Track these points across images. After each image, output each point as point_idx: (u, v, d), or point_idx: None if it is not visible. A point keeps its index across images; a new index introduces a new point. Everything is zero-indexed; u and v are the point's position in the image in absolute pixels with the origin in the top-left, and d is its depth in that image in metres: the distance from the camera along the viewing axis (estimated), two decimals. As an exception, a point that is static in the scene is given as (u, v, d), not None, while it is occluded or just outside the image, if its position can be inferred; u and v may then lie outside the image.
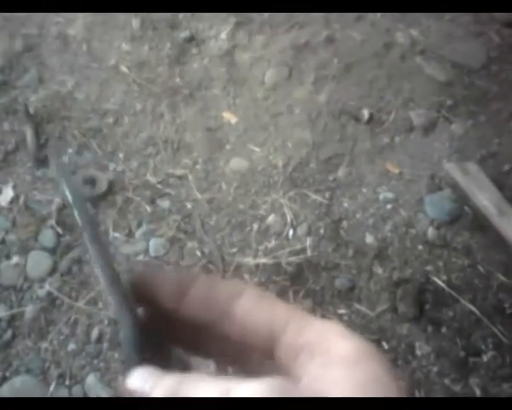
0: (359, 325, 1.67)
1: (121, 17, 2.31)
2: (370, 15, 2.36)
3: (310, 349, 0.39)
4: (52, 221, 1.81)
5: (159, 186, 1.91)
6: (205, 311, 0.43)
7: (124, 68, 2.19)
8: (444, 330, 1.69)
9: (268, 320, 0.41)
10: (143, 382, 0.41)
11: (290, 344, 0.40)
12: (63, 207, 1.84)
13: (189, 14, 2.35)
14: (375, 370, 0.37)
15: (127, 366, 0.43)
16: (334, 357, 0.38)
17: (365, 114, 2.09)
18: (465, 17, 2.37)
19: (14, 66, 2.17)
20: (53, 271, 1.74)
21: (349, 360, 0.37)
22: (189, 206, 1.88)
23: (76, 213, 0.47)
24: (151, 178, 1.92)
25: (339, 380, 0.37)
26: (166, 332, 0.46)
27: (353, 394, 0.35)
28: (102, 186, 1.87)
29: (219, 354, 0.46)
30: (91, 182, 1.88)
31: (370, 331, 1.66)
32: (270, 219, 1.86)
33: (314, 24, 2.34)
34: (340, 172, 1.97)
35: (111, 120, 2.06)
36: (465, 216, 1.90)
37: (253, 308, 0.42)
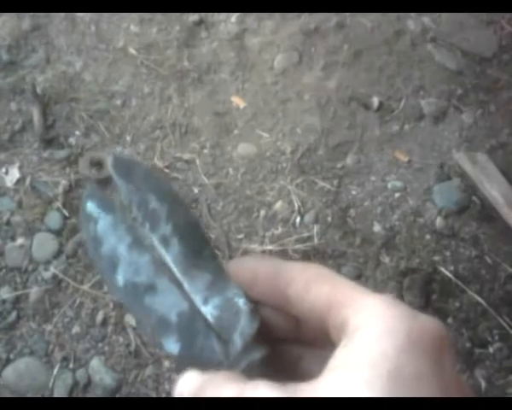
0: (365, 314, 1.66)
1: (130, -2, 2.29)
2: (381, 2, 2.34)
3: (349, 330, 0.38)
4: (58, 203, 1.80)
5: (166, 170, 1.90)
6: (269, 295, 0.44)
7: (132, 50, 2.17)
8: (450, 320, 1.68)
9: (323, 300, 0.41)
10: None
11: (334, 324, 0.39)
12: (70, 189, 1.83)
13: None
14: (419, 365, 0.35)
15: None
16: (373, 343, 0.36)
17: (375, 101, 2.08)
18: (477, 5, 2.36)
19: (21, 45, 2.15)
20: (58, 253, 1.73)
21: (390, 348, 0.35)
22: (195, 190, 1.87)
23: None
24: (158, 162, 1.91)
25: (368, 380, 0.34)
26: None
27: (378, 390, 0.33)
28: (109, 169, 1.86)
29: (286, 337, 0.46)
30: (98, 164, 1.88)
31: (376, 321, 1.65)
32: (278, 205, 1.85)
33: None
34: (349, 160, 1.96)
35: (119, 102, 2.04)
36: (473, 206, 1.89)
37: (306, 291, 0.42)
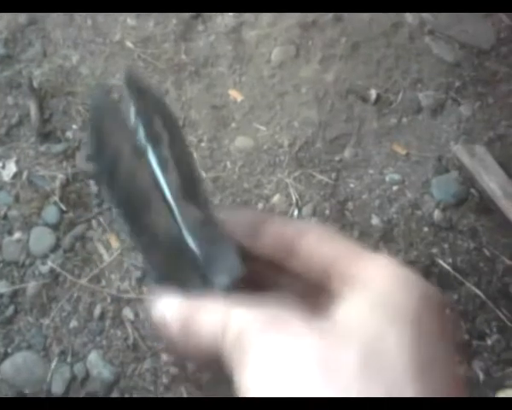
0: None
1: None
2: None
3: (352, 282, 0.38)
4: (55, 197, 1.80)
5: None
6: (274, 249, 0.43)
7: (129, 44, 2.17)
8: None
9: (329, 257, 0.41)
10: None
11: (339, 278, 0.39)
12: (67, 183, 1.83)
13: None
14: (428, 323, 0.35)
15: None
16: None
17: (373, 94, 2.08)
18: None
19: (18, 39, 2.15)
20: (56, 247, 1.73)
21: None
22: (193, 184, 1.87)
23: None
24: (155, 156, 1.90)
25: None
26: None
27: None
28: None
29: (288, 290, 0.45)
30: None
31: (374, 313, 1.65)
32: (275, 198, 1.85)
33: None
34: (347, 153, 1.96)
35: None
36: (471, 199, 1.88)
37: (317, 246, 0.42)
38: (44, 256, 1.72)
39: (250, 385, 0.34)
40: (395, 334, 0.34)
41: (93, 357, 1.59)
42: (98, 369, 1.58)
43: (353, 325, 0.35)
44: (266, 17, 2.26)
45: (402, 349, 0.33)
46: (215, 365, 0.39)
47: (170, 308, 0.41)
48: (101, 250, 1.73)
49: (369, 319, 0.35)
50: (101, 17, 2.23)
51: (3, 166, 1.86)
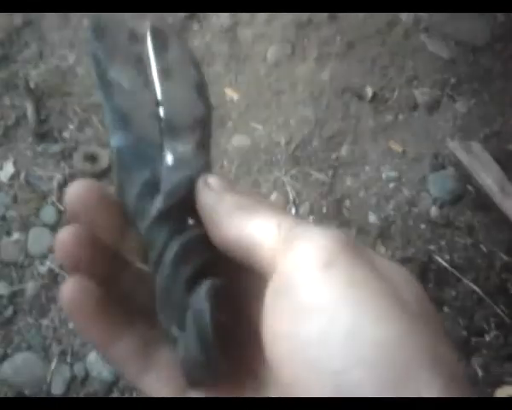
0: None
1: (122, -8, 2.28)
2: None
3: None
4: (53, 197, 1.80)
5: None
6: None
7: (125, 44, 2.17)
8: (446, 309, 1.69)
9: (247, 230, 0.38)
10: None
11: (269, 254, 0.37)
12: (64, 183, 1.83)
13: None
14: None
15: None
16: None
17: (368, 91, 2.08)
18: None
19: (14, 40, 2.15)
20: (54, 248, 1.73)
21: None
22: (190, 183, 1.87)
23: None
24: (153, 155, 1.90)
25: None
26: None
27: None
28: (104, 163, 1.86)
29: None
30: (92, 158, 1.87)
31: (373, 310, 1.66)
32: (273, 197, 1.85)
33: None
34: (343, 151, 1.96)
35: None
36: (468, 195, 1.89)
37: (231, 218, 0.39)
38: (43, 257, 1.72)
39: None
40: None
41: (92, 357, 1.59)
42: (98, 369, 1.58)
43: None
44: (262, 16, 2.26)
45: None
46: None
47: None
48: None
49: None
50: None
51: (1, 168, 1.86)
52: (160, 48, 0.47)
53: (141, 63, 0.46)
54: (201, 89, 0.48)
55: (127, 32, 0.47)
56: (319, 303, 0.32)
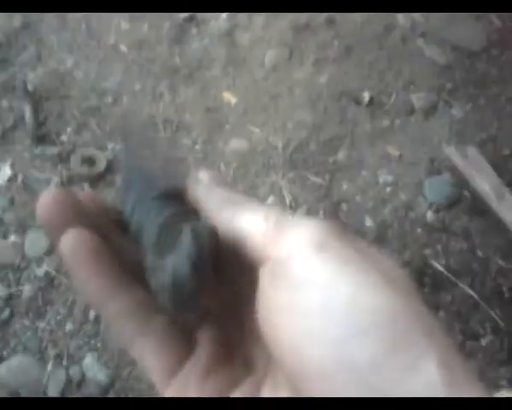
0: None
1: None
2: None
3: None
4: (50, 200, 1.80)
5: (158, 166, 1.89)
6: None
7: (123, 47, 2.17)
8: (442, 313, 1.69)
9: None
10: None
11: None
12: (61, 186, 1.83)
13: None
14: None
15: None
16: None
17: (366, 96, 2.09)
18: None
19: (12, 43, 2.15)
20: (51, 250, 1.73)
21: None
22: (188, 186, 1.87)
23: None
24: (150, 158, 1.90)
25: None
26: None
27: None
28: (101, 165, 1.86)
29: None
30: (90, 161, 1.88)
31: (369, 314, 1.66)
32: (270, 200, 1.86)
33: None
34: (340, 155, 1.97)
35: (110, 99, 2.04)
36: (464, 200, 1.89)
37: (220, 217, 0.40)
38: (40, 259, 1.72)
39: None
40: None
41: (88, 360, 1.60)
42: (94, 372, 1.58)
43: None
44: (259, 20, 2.27)
45: None
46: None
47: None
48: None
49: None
50: (95, 21, 2.24)
51: (-2, 170, 1.87)
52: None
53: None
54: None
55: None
56: (317, 278, 0.33)
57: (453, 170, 1.93)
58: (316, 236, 0.34)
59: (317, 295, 0.32)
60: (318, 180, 1.90)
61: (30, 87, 2.01)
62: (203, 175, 0.43)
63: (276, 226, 0.36)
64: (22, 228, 1.76)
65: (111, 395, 1.56)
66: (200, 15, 2.27)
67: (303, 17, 2.27)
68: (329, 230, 0.35)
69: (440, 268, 1.75)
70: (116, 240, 0.44)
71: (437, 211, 1.86)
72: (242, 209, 0.39)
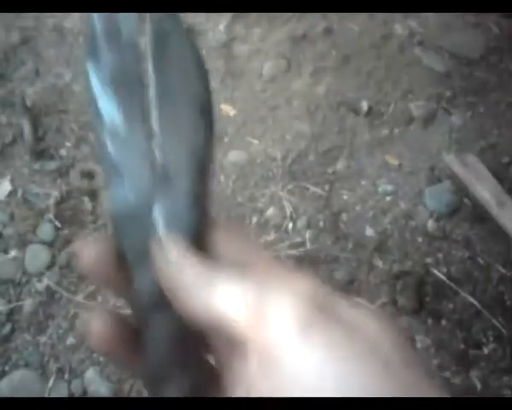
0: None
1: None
2: (368, 7, 2.35)
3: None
4: (50, 215, 1.80)
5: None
6: None
7: (121, 61, 2.18)
8: (444, 322, 1.69)
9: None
10: None
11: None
12: (61, 200, 1.83)
13: (186, 6, 2.33)
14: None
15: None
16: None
17: (364, 105, 2.09)
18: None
19: (10, 58, 2.15)
20: (51, 265, 1.73)
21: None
22: (187, 199, 1.87)
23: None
24: (149, 171, 1.90)
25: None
26: None
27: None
28: (100, 180, 1.86)
29: None
30: (89, 175, 1.88)
31: (370, 324, 1.66)
32: (270, 212, 1.85)
33: (311, 16, 2.33)
34: (340, 165, 1.97)
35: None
36: (464, 208, 1.89)
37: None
38: (40, 274, 1.72)
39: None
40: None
41: (90, 374, 1.59)
42: (95, 386, 1.58)
43: None
44: (257, 31, 2.27)
45: None
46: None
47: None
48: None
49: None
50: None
51: (-2, 185, 1.87)
52: (160, 58, 0.44)
53: (139, 85, 0.43)
54: (204, 111, 0.45)
55: (129, 45, 0.43)
56: (306, 368, 0.33)
57: (453, 178, 1.93)
58: (299, 316, 0.34)
59: (306, 385, 0.33)
60: (318, 191, 1.90)
61: (28, 102, 2.01)
62: (170, 248, 0.40)
63: (256, 304, 0.36)
64: (22, 243, 1.76)
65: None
66: (197, 27, 2.28)
67: (300, 28, 2.28)
68: (312, 302, 0.35)
69: (442, 277, 1.75)
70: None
71: (437, 219, 1.86)
72: (218, 285, 0.37)
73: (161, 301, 0.40)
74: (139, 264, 0.41)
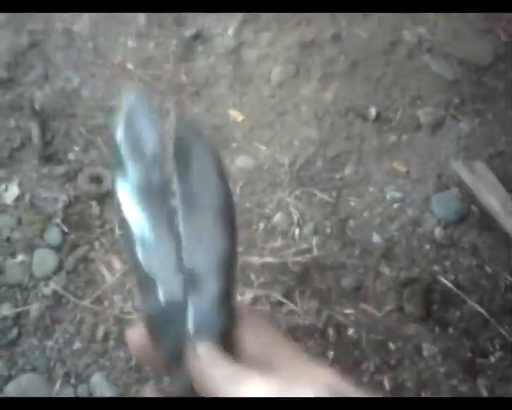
0: (366, 325, 1.67)
1: (127, 14, 2.29)
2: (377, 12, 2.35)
3: None
4: (58, 219, 1.80)
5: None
6: None
7: (129, 66, 2.18)
8: (451, 330, 1.68)
9: None
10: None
11: None
12: (69, 204, 1.83)
13: (195, 11, 2.34)
14: None
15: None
16: None
17: (372, 112, 2.08)
18: (472, 14, 2.36)
19: (19, 62, 2.16)
20: (58, 269, 1.73)
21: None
22: (195, 204, 1.87)
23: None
24: (157, 176, 1.90)
25: None
26: None
27: None
28: (109, 184, 1.87)
29: None
30: (97, 180, 1.88)
31: (377, 332, 1.66)
32: (277, 217, 1.85)
33: (320, 21, 2.33)
34: (347, 171, 1.96)
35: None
36: (472, 215, 1.89)
37: None
38: (47, 278, 1.72)
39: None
40: None
41: (96, 378, 1.59)
42: (101, 391, 1.58)
43: None
44: (265, 37, 2.28)
45: None
46: None
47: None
48: (104, 271, 1.73)
49: None
50: (101, 39, 2.25)
51: (6, 189, 1.87)
52: (184, 169, 0.48)
53: (164, 195, 0.48)
54: (226, 217, 0.49)
55: (152, 158, 0.49)
56: None
57: (461, 185, 1.92)
58: None
59: None
60: (325, 197, 1.90)
61: (37, 106, 2.01)
62: (202, 348, 0.44)
63: None
64: (30, 247, 1.76)
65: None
66: (205, 33, 2.28)
67: (309, 33, 2.28)
68: (334, 395, 0.38)
69: (449, 284, 1.75)
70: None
71: (445, 227, 1.86)
72: (245, 384, 0.40)
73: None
74: (173, 363, 0.45)
